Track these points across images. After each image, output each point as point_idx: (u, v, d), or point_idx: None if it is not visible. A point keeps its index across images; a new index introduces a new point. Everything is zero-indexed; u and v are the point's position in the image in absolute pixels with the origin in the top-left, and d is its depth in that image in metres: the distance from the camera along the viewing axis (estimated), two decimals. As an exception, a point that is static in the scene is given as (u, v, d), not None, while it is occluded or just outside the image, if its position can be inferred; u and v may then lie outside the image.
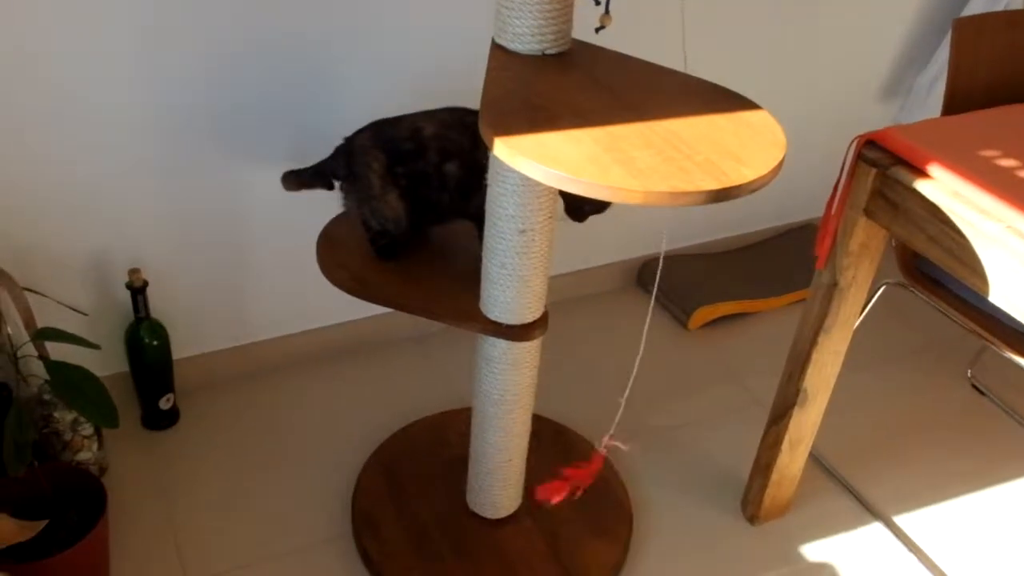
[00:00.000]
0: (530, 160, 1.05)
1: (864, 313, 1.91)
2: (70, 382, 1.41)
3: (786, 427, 1.71)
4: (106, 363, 1.92)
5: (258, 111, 1.79)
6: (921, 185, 1.35)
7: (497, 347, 1.54)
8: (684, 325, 2.34)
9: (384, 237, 1.59)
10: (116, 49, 1.62)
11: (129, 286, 1.78)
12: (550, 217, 1.41)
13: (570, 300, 2.41)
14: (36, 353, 1.59)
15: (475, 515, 1.77)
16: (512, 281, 1.45)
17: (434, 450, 1.92)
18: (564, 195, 1.46)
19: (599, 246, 2.41)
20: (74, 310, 1.78)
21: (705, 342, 2.32)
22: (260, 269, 1.98)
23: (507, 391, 1.58)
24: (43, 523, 1.21)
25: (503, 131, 1.10)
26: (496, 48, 1.30)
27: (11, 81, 1.56)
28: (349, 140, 1.58)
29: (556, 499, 1.52)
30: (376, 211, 1.56)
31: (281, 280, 2.01)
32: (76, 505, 1.60)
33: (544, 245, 1.43)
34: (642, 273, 2.47)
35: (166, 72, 1.67)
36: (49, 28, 1.54)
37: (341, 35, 1.79)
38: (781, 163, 1.10)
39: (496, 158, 1.34)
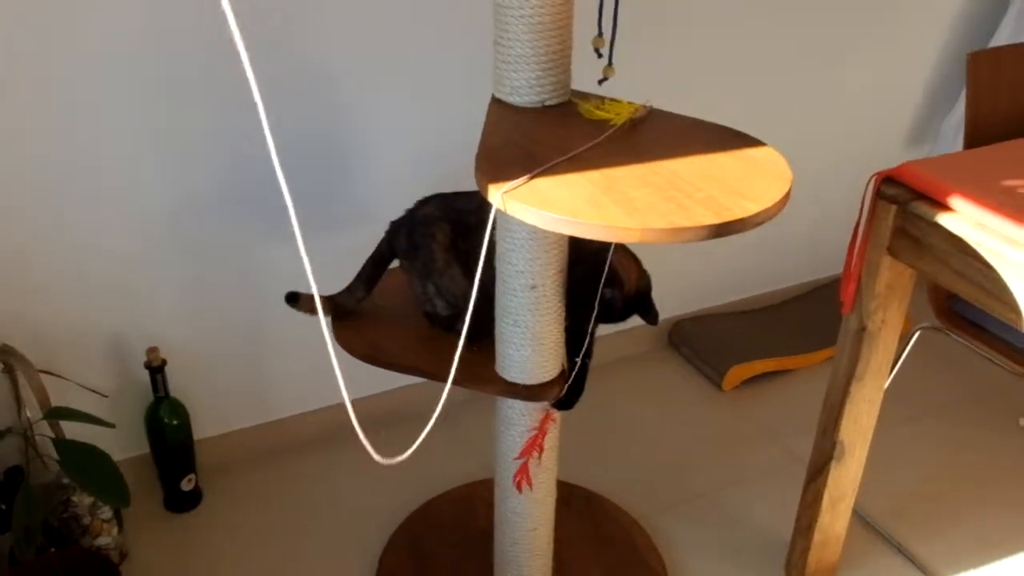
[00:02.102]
0: (524, 205, 1.02)
1: (900, 361, 1.84)
2: (81, 461, 1.39)
3: (824, 483, 1.62)
4: (128, 445, 1.90)
5: (278, 190, 1.80)
6: (943, 218, 1.30)
7: (515, 409, 1.49)
8: (718, 385, 2.27)
9: (452, 321, 1.50)
10: (137, 129, 1.64)
11: (147, 365, 1.77)
12: (560, 271, 1.38)
13: (600, 365, 2.34)
14: (51, 434, 1.57)
15: (504, 590, 1.70)
16: (526, 340, 1.41)
17: (461, 523, 1.85)
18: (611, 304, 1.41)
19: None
20: (93, 391, 1.77)
21: (740, 402, 2.24)
22: (280, 346, 1.97)
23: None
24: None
25: (498, 178, 1.07)
26: (495, 103, 1.28)
27: (32, 160, 1.59)
28: (411, 212, 1.50)
29: (524, 480, 1.48)
30: (441, 288, 1.47)
31: (301, 356, 1.99)
32: (93, 591, 1.56)
33: (556, 301, 1.40)
34: (673, 334, 2.41)
35: (185, 153, 1.69)
36: (71, 107, 1.57)
37: (365, 115, 1.81)
38: (787, 196, 1.06)
39: (501, 213, 1.32)
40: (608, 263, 1.39)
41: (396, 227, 1.53)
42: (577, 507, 1.89)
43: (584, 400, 2.20)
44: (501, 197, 1.04)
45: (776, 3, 2.14)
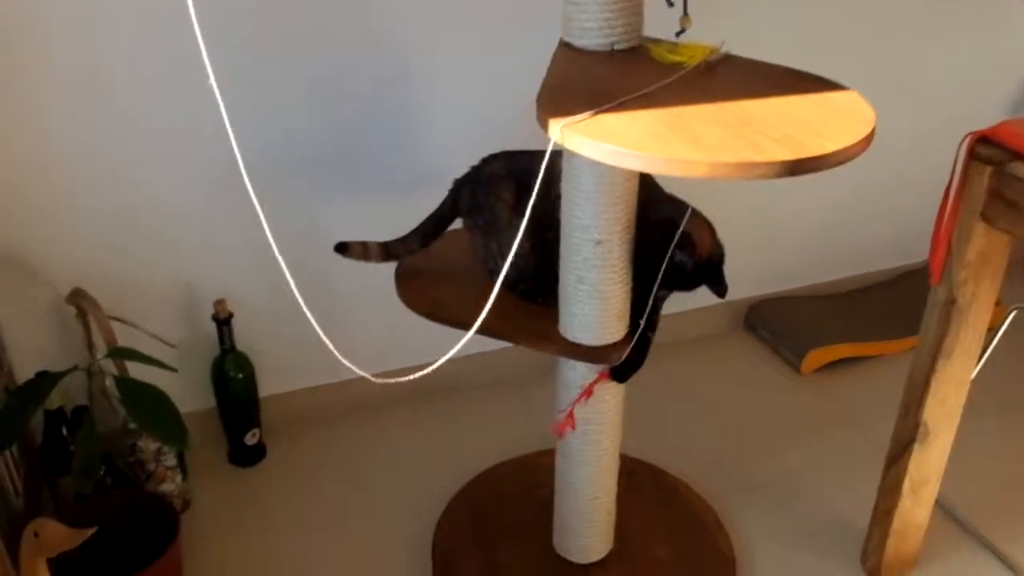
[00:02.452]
0: (585, 137, 0.97)
1: (993, 344, 1.72)
2: (140, 399, 1.40)
3: (905, 468, 1.53)
4: (196, 397, 1.92)
5: (349, 147, 1.79)
6: (1046, 180, 1.21)
7: (576, 370, 1.45)
8: (797, 369, 2.17)
9: (515, 281, 1.46)
10: (211, 93, 1.64)
11: (215, 317, 1.78)
12: (627, 228, 1.32)
13: (675, 343, 2.28)
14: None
15: (563, 560, 1.65)
16: (590, 297, 1.36)
17: (523, 491, 1.81)
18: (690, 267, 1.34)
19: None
20: (162, 340, 1.79)
21: (820, 387, 2.14)
22: (349, 305, 1.96)
23: (589, 420, 1.48)
24: (91, 531, 1.18)
25: (560, 113, 1.03)
26: (562, 46, 1.24)
27: (111, 111, 1.61)
28: (476, 169, 1.47)
29: (564, 431, 1.42)
30: (504, 246, 1.43)
31: (371, 317, 1.98)
32: (153, 534, 1.57)
33: (622, 258, 1.34)
34: (750, 315, 2.33)
35: (259, 108, 1.70)
36: (146, 66, 1.59)
37: (431, 74, 1.78)
38: (868, 138, 0.98)
39: (567, 163, 1.28)
40: (673, 222, 1.33)
41: (460, 185, 1.51)
42: (645, 484, 1.83)
43: (658, 377, 2.15)
44: (561, 130, 1.00)
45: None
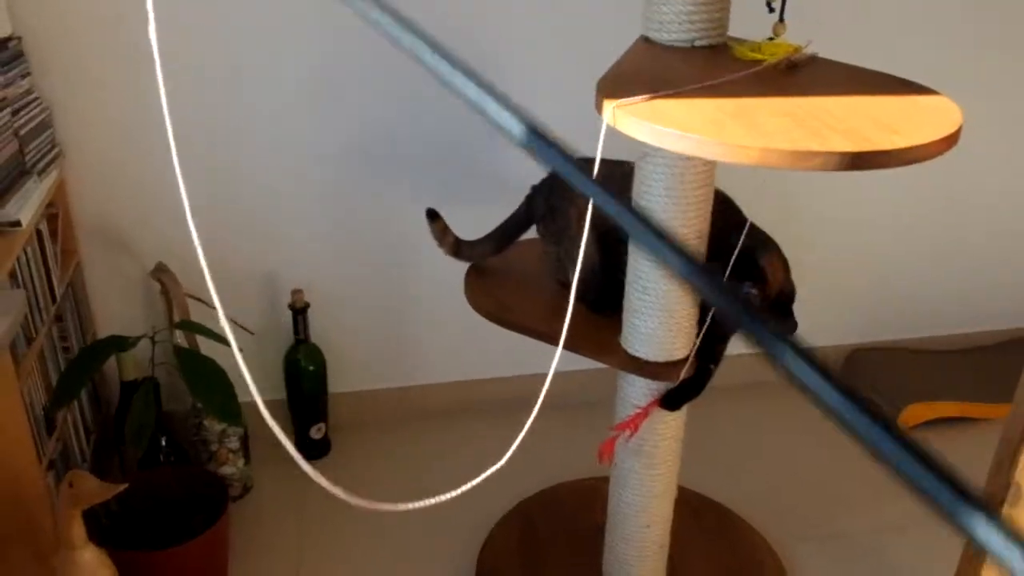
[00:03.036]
0: (635, 118, 0.93)
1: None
2: (198, 371, 1.41)
3: (994, 531, 1.39)
4: (269, 387, 1.94)
5: (441, 148, 1.79)
6: None
7: (635, 387, 1.38)
8: (893, 423, 2.03)
9: (583, 290, 1.41)
10: (303, 86, 1.68)
11: (291, 306, 1.79)
12: (699, 237, 1.26)
13: (766, 383, 2.17)
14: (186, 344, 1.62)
15: (611, 589, 1.57)
16: (654, 310, 1.30)
17: (577, 514, 1.74)
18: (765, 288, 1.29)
19: (804, 326, 2.16)
20: (241, 327, 1.82)
21: (917, 444, 1.99)
22: (427, 310, 1.95)
23: (646, 440, 1.41)
24: (122, 486, 1.19)
25: (617, 96, 0.98)
26: (641, 40, 1.20)
27: (203, 105, 1.66)
28: (552, 175, 1.43)
29: (607, 456, 1.36)
30: (572, 256, 1.39)
31: (447, 325, 1.96)
32: (205, 510, 1.58)
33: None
34: (849, 361, 2.19)
35: (350, 108, 1.72)
36: (238, 58, 1.64)
37: (526, 80, 1.77)
38: (951, 138, 0.90)
39: (640, 166, 1.23)
40: (748, 251, 1.26)
41: (535, 191, 1.49)
42: (709, 522, 1.73)
43: (743, 415, 2.05)
44: (612, 111, 0.95)
45: None
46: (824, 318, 2.17)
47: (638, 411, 1.36)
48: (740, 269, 1.28)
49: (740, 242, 1.30)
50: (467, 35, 1.72)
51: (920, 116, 0.95)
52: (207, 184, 1.73)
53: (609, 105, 0.96)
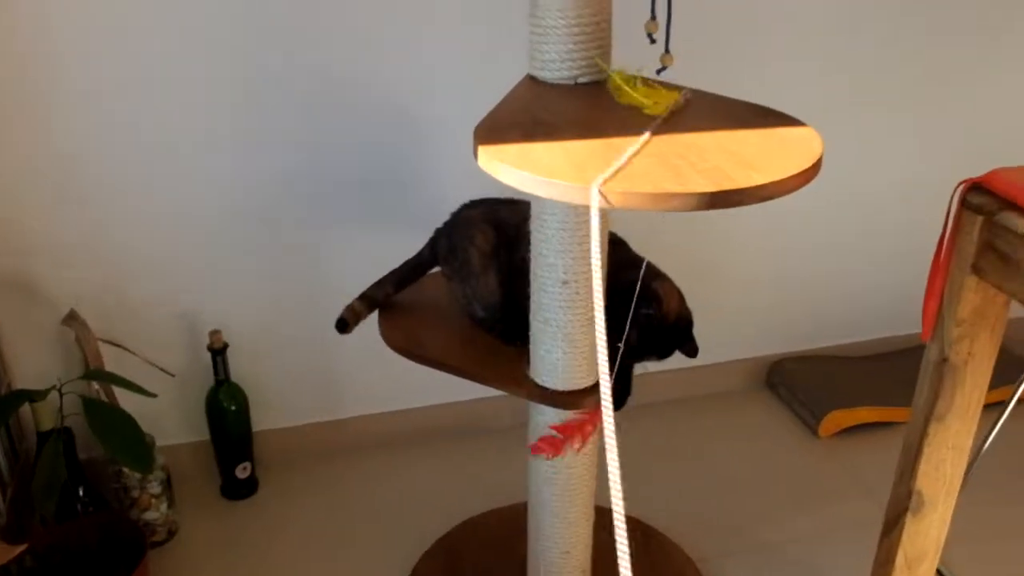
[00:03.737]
0: (506, 165, 0.94)
1: (1007, 412, 1.61)
2: (106, 421, 1.40)
3: (899, 540, 1.42)
4: (194, 428, 1.92)
5: (351, 184, 1.80)
6: (1035, 231, 1.12)
7: (546, 416, 1.40)
8: (814, 431, 2.07)
9: (490, 325, 1.47)
10: (215, 117, 1.68)
11: (209, 347, 1.78)
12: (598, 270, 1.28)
13: (692, 398, 2.21)
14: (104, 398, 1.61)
15: (536, 616, 1.58)
16: (557, 340, 1.32)
17: (503, 543, 1.75)
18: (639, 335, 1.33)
19: (727, 341, 2.21)
20: (161, 369, 1.80)
21: (836, 451, 2.03)
22: (349, 343, 1.93)
23: (557, 468, 1.42)
24: (20, 548, 1.17)
25: (491, 140, 1.00)
26: (527, 79, 1.22)
27: (114, 144, 1.65)
28: (455, 214, 1.49)
29: (551, 453, 1.35)
30: (476, 292, 1.44)
31: (368, 358, 1.96)
32: (125, 560, 1.57)
33: (591, 301, 1.30)
34: (772, 372, 2.23)
35: (261, 141, 1.72)
36: (152, 95, 1.63)
37: (435, 115, 1.78)
38: (809, 172, 0.93)
39: (535, 201, 1.25)
40: (642, 281, 1.31)
41: (439, 233, 1.52)
42: (632, 542, 1.75)
43: (668, 432, 2.08)
44: (484, 155, 0.97)
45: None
46: (745, 332, 2.21)
47: (584, 418, 1.36)
48: (632, 293, 1.32)
49: (640, 275, 1.34)
50: (366, 82, 1.73)
51: (782, 150, 0.98)
52: (118, 227, 1.72)
53: (484, 153, 0.98)
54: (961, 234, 1.23)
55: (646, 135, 1.00)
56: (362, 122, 1.76)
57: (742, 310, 2.17)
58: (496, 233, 1.43)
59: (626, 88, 1.14)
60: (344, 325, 1.53)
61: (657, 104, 1.11)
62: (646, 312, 1.32)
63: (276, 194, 1.77)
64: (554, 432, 1.36)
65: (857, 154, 2.07)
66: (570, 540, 1.49)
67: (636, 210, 0.88)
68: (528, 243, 1.34)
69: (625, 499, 1.71)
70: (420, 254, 1.53)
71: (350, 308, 1.54)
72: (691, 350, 1.38)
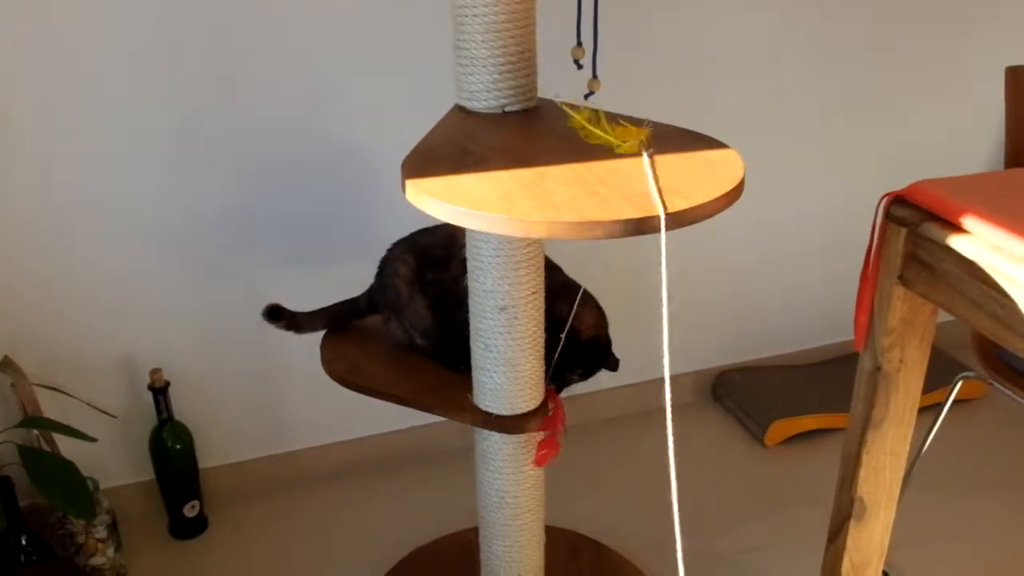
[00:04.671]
0: (433, 199, 0.95)
1: (942, 415, 1.65)
2: (43, 469, 1.38)
3: (843, 547, 1.44)
4: (139, 469, 1.89)
5: (288, 217, 1.79)
6: (956, 241, 1.15)
7: (491, 441, 1.40)
8: (760, 441, 2.10)
9: (432, 351, 1.49)
10: (149, 153, 1.66)
11: (150, 386, 1.76)
12: (534, 294, 1.29)
13: (637, 413, 2.22)
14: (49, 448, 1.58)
15: (492, 641, 1.58)
16: (498, 365, 1.33)
17: (460, 566, 1.75)
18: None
19: (671, 355, 2.22)
20: (101, 411, 1.77)
21: (783, 460, 2.06)
22: (294, 375, 1.94)
23: (507, 492, 1.43)
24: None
25: (419, 174, 1.01)
26: (455, 109, 1.23)
27: (45, 185, 1.62)
28: (382, 259, 1.51)
29: (553, 451, 1.41)
30: (411, 322, 1.47)
31: (315, 387, 1.95)
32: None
33: (531, 324, 1.31)
34: (717, 384, 2.26)
35: (196, 177, 1.70)
36: (79, 130, 1.61)
37: (384, 148, 1.78)
38: (730, 195, 0.95)
39: (470, 232, 1.25)
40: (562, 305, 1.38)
41: (373, 284, 1.54)
42: (584, 559, 1.76)
43: (616, 447, 2.09)
44: (412, 189, 0.98)
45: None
46: (689, 345, 2.24)
47: (553, 409, 1.40)
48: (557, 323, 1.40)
49: (577, 300, 1.38)
50: (306, 115, 1.72)
51: (706, 174, 0.99)
52: (51, 269, 1.69)
53: (411, 185, 0.98)
54: (887, 246, 1.26)
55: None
56: (300, 156, 1.75)
57: (686, 324, 2.20)
58: (416, 260, 1.46)
59: (593, 129, 1.11)
60: (276, 314, 1.54)
61: (627, 143, 1.08)
62: (560, 335, 1.38)
63: (210, 229, 1.76)
64: (542, 433, 1.40)
65: (788, 171, 2.11)
66: (522, 563, 1.49)
67: (560, 239, 0.89)
68: (459, 262, 1.35)
69: (574, 515, 1.73)
70: (357, 299, 1.56)
71: (290, 316, 1.56)
72: (612, 365, 1.46)
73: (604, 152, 1.06)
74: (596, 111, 1.16)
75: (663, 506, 1.91)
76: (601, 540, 1.81)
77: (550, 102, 1.25)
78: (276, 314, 1.54)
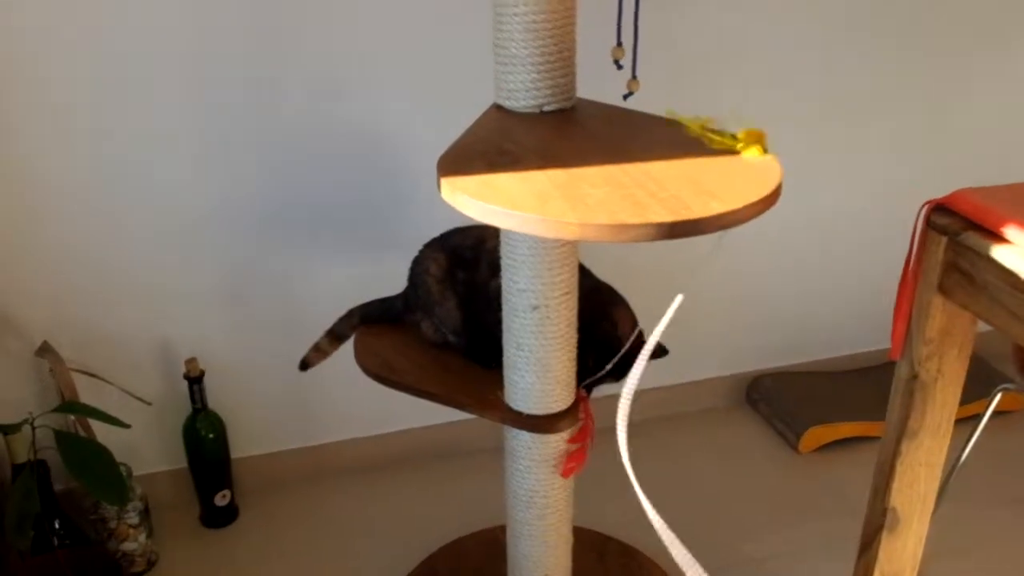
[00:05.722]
0: (468, 196, 0.95)
1: (980, 426, 1.62)
2: (79, 453, 1.40)
3: (876, 557, 1.42)
4: (172, 456, 1.92)
5: (328, 207, 1.80)
6: (997, 251, 1.13)
7: (520, 440, 1.40)
8: (794, 447, 2.07)
9: (464, 348, 1.50)
10: (191, 144, 1.68)
11: (186, 375, 1.78)
12: (567, 294, 1.29)
13: (672, 416, 2.21)
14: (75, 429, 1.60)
15: (517, 640, 1.58)
16: (530, 365, 1.32)
17: (485, 565, 1.75)
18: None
19: (706, 358, 2.22)
20: (137, 398, 1.80)
21: (817, 467, 2.03)
22: (328, 367, 1.93)
23: (535, 492, 1.43)
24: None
25: (455, 172, 1.01)
26: (493, 108, 1.22)
27: (85, 175, 1.65)
28: (414, 259, 1.53)
29: (579, 464, 1.41)
30: (441, 319, 1.48)
31: (349, 381, 1.95)
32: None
33: (563, 324, 1.30)
34: (752, 389, 2.24)
35: (235, 168, 1.72)
36: (124, 112, 1.63)
37: (421, 144, 1.78)
38: (767, 199, 0.94)
39: (504, 231, 1.25)
40: (600, 307, 1.39)
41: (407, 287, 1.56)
42: (612, 561, 1.75)
43: (648, 450, 2.08)
44: (447, 187, 0.98)
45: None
46: (725, 349, 2.22)
47: (582, 420, 1.39)
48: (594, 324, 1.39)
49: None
50: (346, 108, 1.73)
51: (742, 177, 0.98)
52: (92, 255, 1.71)
53: (446, 184, 0.98)
54: (926, 254, 1.24)
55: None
56: (339, 149, 1.76)
57: (721, 327, 2.18)
58: (448, 258, 1.47)
59: (715, 136, 1.10)
60: (305, 366, 1.60)
61: (745, 146, 1.07)
62: (602, 336, 1.38)
63: (250, 220, 1.77)
64: (571, 445, 1.40)
65: (825, 173, 2.09)
66: (549, 563, 1.49)
67: (594, 242, 0.89)
68: (488, 264, 1.36)
69: (602, 517, 1.72)
70: (393, 299, 1.57)
71: (316, 347, 1.60)
72: (660, 353, 1.42)
73: (640, 153, 1.05)
74: (698, 117, 1.15)
75: (693, 509, 1.91)
76: (629, 542, 1.80)
77: (589, 102, 1.25)
78: (304, 366, 1.62)
